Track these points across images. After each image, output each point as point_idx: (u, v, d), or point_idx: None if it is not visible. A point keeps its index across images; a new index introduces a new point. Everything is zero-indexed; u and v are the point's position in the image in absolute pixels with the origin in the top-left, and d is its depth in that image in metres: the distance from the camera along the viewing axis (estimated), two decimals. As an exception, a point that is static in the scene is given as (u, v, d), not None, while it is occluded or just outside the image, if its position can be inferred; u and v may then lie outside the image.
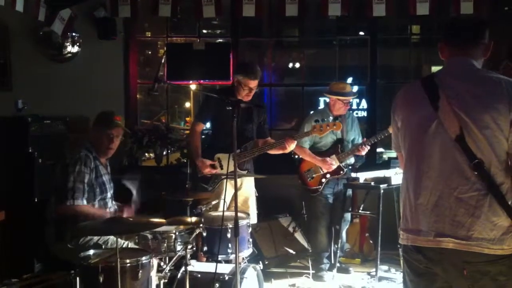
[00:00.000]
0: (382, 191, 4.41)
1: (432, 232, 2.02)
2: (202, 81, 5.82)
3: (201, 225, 3.43)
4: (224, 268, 3.44)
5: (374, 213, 4.57)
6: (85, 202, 3.40)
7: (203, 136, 4.36)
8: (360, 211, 4.91)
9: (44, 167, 4.54)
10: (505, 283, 1.96)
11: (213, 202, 3.81)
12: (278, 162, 4.76)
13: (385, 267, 4.72)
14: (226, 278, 3.34)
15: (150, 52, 8.24)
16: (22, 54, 5.38)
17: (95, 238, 3.37)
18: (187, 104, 9.65)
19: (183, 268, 3.31)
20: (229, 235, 3.55)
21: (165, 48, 5.96)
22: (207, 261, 3.78)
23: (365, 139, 4.66)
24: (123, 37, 5.64)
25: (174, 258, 3.38)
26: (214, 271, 3.25)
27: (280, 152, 4.13)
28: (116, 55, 5.65)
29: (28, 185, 4.47)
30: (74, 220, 3.31)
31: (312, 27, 7.03)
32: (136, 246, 3.33)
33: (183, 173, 3.85)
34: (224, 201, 3.66)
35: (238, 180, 4.09)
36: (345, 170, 4.68)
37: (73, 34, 5.40)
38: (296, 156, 5.09)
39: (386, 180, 4.46)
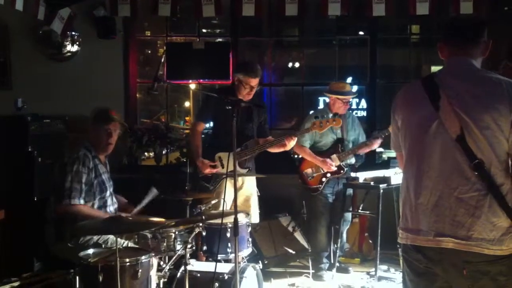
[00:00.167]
0: (381, 191, 4.41)
1: (432, 231, 2.03)
2: (201, 80, 5.81)
3: (200, 224, 3.42)
4: (224, 268, 3.44)
5: (374, 213, 4.57)
6: (82, 201, 3.39)
7: (202, 136, 4.36)
8: (359, 210, 4.91)
9: (43, 166, 4.54)
10: (505, 283, 1.96)
11: (213, 202, 3.80)
12: (278, 161, 4.76)
13: (385, 267, 4.72)
14: (226, 277, 3.34)
15: (149, 51, 8.24)
16: (22, 53, 5.38)
17: (95, 237, 3.37)
18: (187, 104, 9.64)
19: (182, 268, 3.31)
20: (228, 235, 3.55)
21: (164, 48, 5.95)
22: (207, 260, 3.77)
23: (375, 133, 4.65)
24: (122, 36, 5.64)
25: (174, 258, 3.38)
26: (213, 270, 3.25)
27: (281, 150, 4.13)
28: (115, 54, 5.65)
29: (27, 184, 4.47)
30: (73, 220, 3.32)
31: (312, 26, 7.03)
32: (136, 246, 3.33)
33: (183, 172, 3.85)
34: (224, 201, 3.66)
35: (240, 179, 4.11)
36: (345, 169, 4.68)
37: (73, 33, 5.40)
38: (296, 156, 5.09)
39: (386, 180, 4.46)
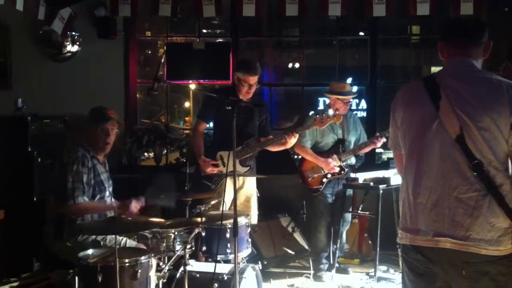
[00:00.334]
0: (381, 191, 4.41)
1: (430, 231, 2.03)
2: (201, 80, 5.81)
3: (200, 224, 3.42)
4: (223, 268, 3.44)
5: (373, 213, 4.57)
6: (86, 198, 3.40)
7: (204, 135, 4.37)
8: (359, 211, 4.91)
9: (43, 166, 4.54)
10: (505, 283, 1.96)
11: (212, 202, 3.81)
12: (278, 162, 4.76)
13: (384, 268, 4.72)
14: (225, 278, 3.34)
15: (150, 52, 8.25)
16: (22, 53, 5.38)
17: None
18: (187, 104, 9.65)
19: (182, 268, 3.31)
20: (228, 235, 3.55)
21: (165, 48, 5.95)
22: (206, 261, 3.78)
23: (378, 133, 4.65)
24: (123, 36, 5.63)
25: (173, 258, 3.38)
26: (213, 271, 3.25)
27: (281, 148, 4.14)
28: (116, 54, 5.65)
29: (27, 184, 4.47)
30: (72, 219, 3.32)
31: (312, 27, 7.03)
32: (135, 242, 3.33)
33: (182, 172, 3.85)
34: (223, 201, 3.67)
35: (240, 179, 4.12)
36: (346, 170, 4.68)
37: (73, 33, 5.39)
38: (296, 156, 5.09)
39: (385, 180, 4.46)
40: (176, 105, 9.65)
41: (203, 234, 3.54)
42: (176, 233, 3.37)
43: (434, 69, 7.64)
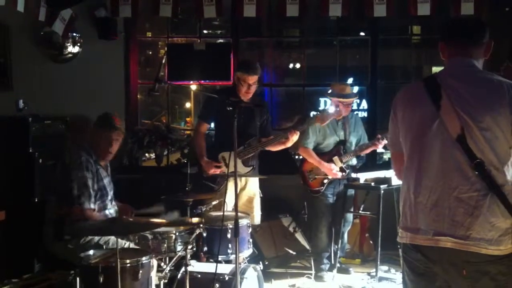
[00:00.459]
0: (382, 191, 4.41)
1: (431, 230, 2.03)
2: (202, 81, 5.81)
3: (201, 225, 3.43)
4: (224, 269, 3.44)
5: (374, 213, 4.57)
6: (92, 205, 3.40)
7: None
8: (360, 211, 4.91)
9: (44, 167, 4.54)
10: (505, 282, 1.96)
11: (214, 203, 3.81)
12: (279, 162, 4.76)
13: (385, 268, 4.71)
14: (226, 278, 3.34)
15: (150, 52, 8.25)
16: (23, 54, 5.38)
17: (96, 238, 3.38)
18: (188, 105, 9.66)
19: (183, 268, 3.31)
20: (229, 235, 3.55)
21: (165, 48, 5.96)
22: (207, 261, 3.78)
23: (379, 135, 4.65)
24: (123, 37, 5.64)
25: (174, 258, 3.38)
26: (214, 271, 3.25)
27: (283, 147, 4.13)
28: (116, 55, 5.65)
29: (28, 185, 4.47)
30: (73, 221, 3.32)
31: (313, 27, 7.03)
32: (137, 247, 3.33)
33: (184, 173, 3.85)
34: (225, 202, 3.67)
35: (243, 180, 4.12)
36: (347, 171, 4.68)
37: (74, 34, 5.40)
38: (297, 156, 5.08)
39: (387, 180, 4.46)
40: (177, 105, 9.66)
41: (204, 234, 3.54)
42: (177, 233, 3.37)
43: (435, 69, 7.64)
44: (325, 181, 4.66)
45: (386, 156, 6.24)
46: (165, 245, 3.34)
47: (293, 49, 8.92)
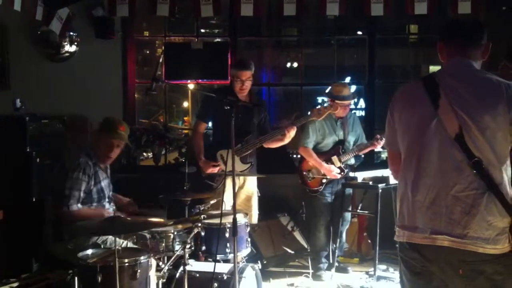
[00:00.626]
0: (380, 190, 4.42)
1: (428, 229, 2.04)
2: (200, 80, 5.81)
3: (199, 224, 3.42)
4: (223, 268, 3.44)
5: (372, 212, 4.57)
6: (80, 206, 3.40)
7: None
8: (358, 210, 4.91)
9: (42, 166, 4.53)
10: (501, 282, 1.96)
11: (212, 202, 3.81)
12: (277, 161, 4.76)
13: (384, 267, 4.72)
14: (225, 277, 3.34)
15: (148, 52, 8.25)
16: (20, 54, 5.37)
17: (94, 237, 3.37)
18: (185, 104, 9.66)
19: (181, 268, 3.31)
20: (227, 235, 3.55)
21: (163, 48, 5.95)
22: (206, 260, 3.78)
23: (378, 135, 4.65)
24: (121, 36, 5.63)
25: (173, 258, 3.38)
26: (212, 270, 3.25)
27: (281, 143, 4.14)
28: (114, 54, 5.64)
29: (26, 185, 4.46)
30: (71, 221, 3.32)
31: (311, 26, 7.04)
32: (135, 246, 3.33)
33: (181, 172, 3.85)
34: (223, 201, 3.66)
35: (241, 178, 4.12)
36: (346, 170, 4.68)
37: (71, 33, 5.38)
38: (295, 155, 5.09)
39: (384, 179, 4.47)
40: (175, 105, 9.66)
41: (203, 233, 3.54)
42: (175, 233, 3.37)
43: (433, 68, 7.66)
44: (324, 180, 4.66)
45: (384, 155, 6.25)
46: (164, 244, 3.34)
47: (291, 49, 8.92)
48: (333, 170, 4.57)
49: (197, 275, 3.37)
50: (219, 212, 3.33)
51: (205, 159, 4.13)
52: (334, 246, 4.70)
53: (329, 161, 4.63)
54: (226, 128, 3.20)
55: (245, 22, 5.83)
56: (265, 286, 3.98)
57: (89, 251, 3.06)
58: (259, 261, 4.38)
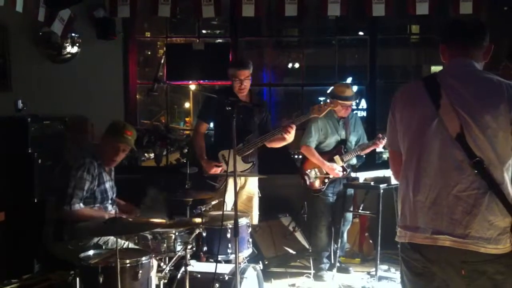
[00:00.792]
0: (381, 190, 4.42)
1: (429, 229, 2.03)
2: (201, 81, 5.82)
3: (201, 225, 3.42)
4: (224, 268, 3.44)
5: (374, 212, 4.57)
6: (82, 205, 3.40)
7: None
8: (359, 210, 4.91)
9: (43, 167, 4.53)
10: (503, 282, 1.96)
11: (213, 202, 3.81)
12: (278, 161, 4.75)
13: (385, 267, 4.72)
14: (226, 278, 3.34)
15: (149, 52, 8.27)
16: (22, 55, 5.38)
17: (95, 238, 3.37)
18: (187, 104, 9.67)
19: (183, 268, 3.31)
20: (229, 235, 3.55)
21: (164, 48, 5.95)
22: (207, 261, 3.78)
23: (380, 134, 4.65)
24: (122, 37, 5.63)
25: (174, 258, 3.38)
26: (214, 271, 3.25)
27: (283, 143, 4.13)
28: (115, 55, 5.65)
29: (27, 186, 4.47)
30: (72, 222, 3.32)
31: (312, 27, 7.04)
32: (136, 247, 3.33)
33: (183, 173, 3.85)
34: (225, 202, 3.67)
35: (242, 178, 4.12)
36: (348, 170, 4.68)
37: (73, 34, 5.40)
38: (297, 156, 5.08)
39: (386, 179, 4.46)
40: (176, 105, 9.67)
41: (204, 234, 3.54)
42: (177, 233, 3.37)
43: (434, 69, 7.66)
44: (326, 180, 4.66)
45: (385, 156, 6.24)
46: (165, 245, 3.34)
47: (292, 49, 8.94)
48: (335, 168, 4.57)
49: (199, 275, 3.37)
50: (220, 213, 3.33)
51: (207, 160, 4.13)
52: (336, 246, 4.70)
53: (331, 160, 4.63)
54: (227, 128, 3.20)
55: (246, 22, 5.83)
56: (266, 287, 3.98)
57: (91, 252, 3.06)
58: (260, 262, 4.39)
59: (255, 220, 4.28)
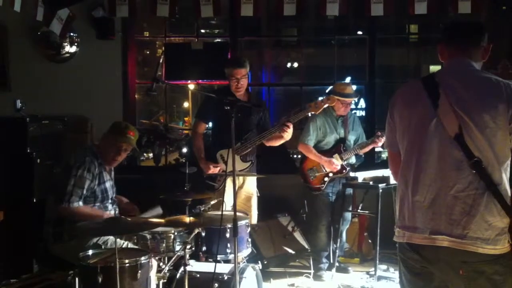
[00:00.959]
0: (380, 190, 4.42)
1: (427, 229, 2.04)
2: (200, 81, 5.82)
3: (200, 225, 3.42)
4: (223, 268, 3.44)
5: (373, 212, 4.57)
6: (81, 203, 3.40)
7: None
8: (359, 210, 4.91)
9: (42, 167, 4.53)
10: (502, 282, 1.97)
11: (212, 202, 3.81)
12: (277, 161, 4.75)
13: (384, 267, 4.72)
14: (225, 278, 3.34)
15: (148, 52, 8.26)
16: (21, 54, 5.38)
17: (95, 238, 3.37)
18: (186, 104, 9.67)
19: (182, 268, 3.31)
20: (228, 235, 3.55)
21: (163, 48, 5.95)
22: (206, 261, 3.78)
23: (379, 132, 4.65)
24: (121, 37, 5.63)
25: (173, 258, 3.38)
26: (213, 271, 3.25)
27: (282, 141, 4.12)
28: (114, 55, 5.64)
29: (27, 185, 4.46)
30: (72, 221, 3.32)
31: (311, 26, 7.04)
32: (135, 247, 3.33)
33: (182, 173, 3.85)
34: (223, 201, 3.67)
35: (241, 178, 4.12)
36: (347, 169, 4.68)
37: (71, 34, 5.40)
38: (296, 156, 5.09)
39: (385, 179, 4.47)
40: (175, 105, 9.66)
41: (203, 234, 3.54)
42: (176, 233, 3.37)
43: (433, 68, 7.66)
44: (326, 178, 4.66)
45: (384, 155, 6.25)
46: (164, 245, 3.34)
47: (291, 48, 8.93)
48: (333, 162, 4.56)
49: (198, 275, 3.37)
50: (219, 213, 3.33)
51: (205, 160, 4.13)
52: (335, 246, 4.70)
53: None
54: (226, 128, 3.20)
55: (245, 22, 5.83)
56: (265, 287, 3.98)
57: (90, 252, 3.06)
58: (259, 262, 4.39)
59: (254, 220, 4.28)
